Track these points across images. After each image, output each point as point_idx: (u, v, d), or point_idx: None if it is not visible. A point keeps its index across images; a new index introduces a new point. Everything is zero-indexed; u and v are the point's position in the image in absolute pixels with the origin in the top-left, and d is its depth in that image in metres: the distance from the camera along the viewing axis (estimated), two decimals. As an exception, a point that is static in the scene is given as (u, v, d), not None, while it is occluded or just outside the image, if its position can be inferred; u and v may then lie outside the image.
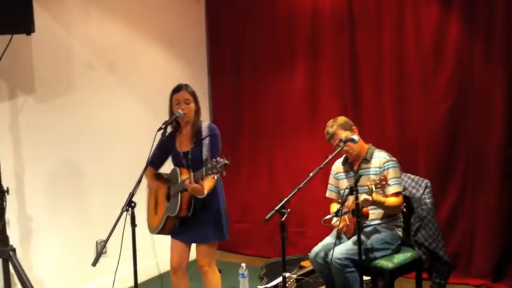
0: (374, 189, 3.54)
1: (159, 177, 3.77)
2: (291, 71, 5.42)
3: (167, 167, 3.80)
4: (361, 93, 5.07)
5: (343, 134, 3.85)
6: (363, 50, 5.03)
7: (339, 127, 3.90)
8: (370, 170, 3.88)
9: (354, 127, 3.95)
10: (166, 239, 3.82)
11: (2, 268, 3.82)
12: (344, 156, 4.05)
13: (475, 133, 4.60)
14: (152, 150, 3.69)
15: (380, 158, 3.89)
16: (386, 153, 3.92)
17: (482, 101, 4.56)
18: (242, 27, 5.67)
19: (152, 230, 3.78)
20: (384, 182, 3.54)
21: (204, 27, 5.87)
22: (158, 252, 4.50)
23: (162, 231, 3.73)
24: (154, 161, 3.70)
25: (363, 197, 3.55)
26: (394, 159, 3.89)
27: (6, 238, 3.79)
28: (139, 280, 3.34)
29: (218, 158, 3.29)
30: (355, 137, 3.84)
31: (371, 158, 3.91)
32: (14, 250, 3.79)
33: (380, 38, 4.93)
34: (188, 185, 3.44)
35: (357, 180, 3.50)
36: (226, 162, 3.27)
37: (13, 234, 3.92)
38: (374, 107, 4.88)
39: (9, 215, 3.90)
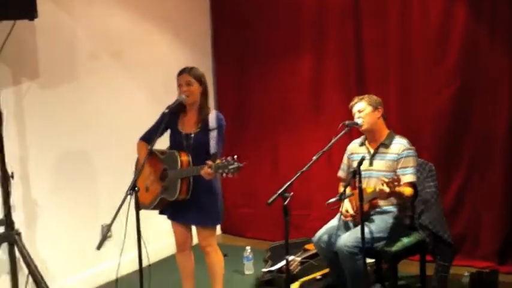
0: (385, 187, 3.48)
1: (152, 154, 3.58)
2: (297, 59, 5.40)
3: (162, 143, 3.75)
4: (366, 80, 5.06)
5: (367, 107, 3.83)
6: (369, 39, 5.02)
7: (366, 99, 3.89)
8: (388, 155, 3.82)
9: (380, 107, 3.88)
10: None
11: (8, 252, 3.85)
12: (362, 137, 4.01)
13: (481, 118, 4.59)
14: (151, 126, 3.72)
15: (399, 145, 3.82)
16: (407, 140, 3.85)
17: (489, 86, 4.55)
18: (247, 15, 5.63)
19: (144, 206, 3.56)
20: (396, 183, 3.47)
21: (209, 15, 5.83)
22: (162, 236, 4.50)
23: (152, 209, 3.74)
24: (151, 136, 3.61)
25: (379, 187, 3.53)
26: (413, 147, 3.82)
27: (12, 222, 3.81)
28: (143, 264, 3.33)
29: (229, 159, 3.25)
30: (359, 120, 3.84)
31: (390, 143, 3.84)
32: (19, 234, 3.81)
33: (386, 25, 4.91)
34: (208, 173, 3.36)
35: (359, 164, 3.46)
36: (241, 165, 3.25)
37: (18, 218, 3.94)
38: (379, 92, 4.84)
39: (15, 199, 3.92)
